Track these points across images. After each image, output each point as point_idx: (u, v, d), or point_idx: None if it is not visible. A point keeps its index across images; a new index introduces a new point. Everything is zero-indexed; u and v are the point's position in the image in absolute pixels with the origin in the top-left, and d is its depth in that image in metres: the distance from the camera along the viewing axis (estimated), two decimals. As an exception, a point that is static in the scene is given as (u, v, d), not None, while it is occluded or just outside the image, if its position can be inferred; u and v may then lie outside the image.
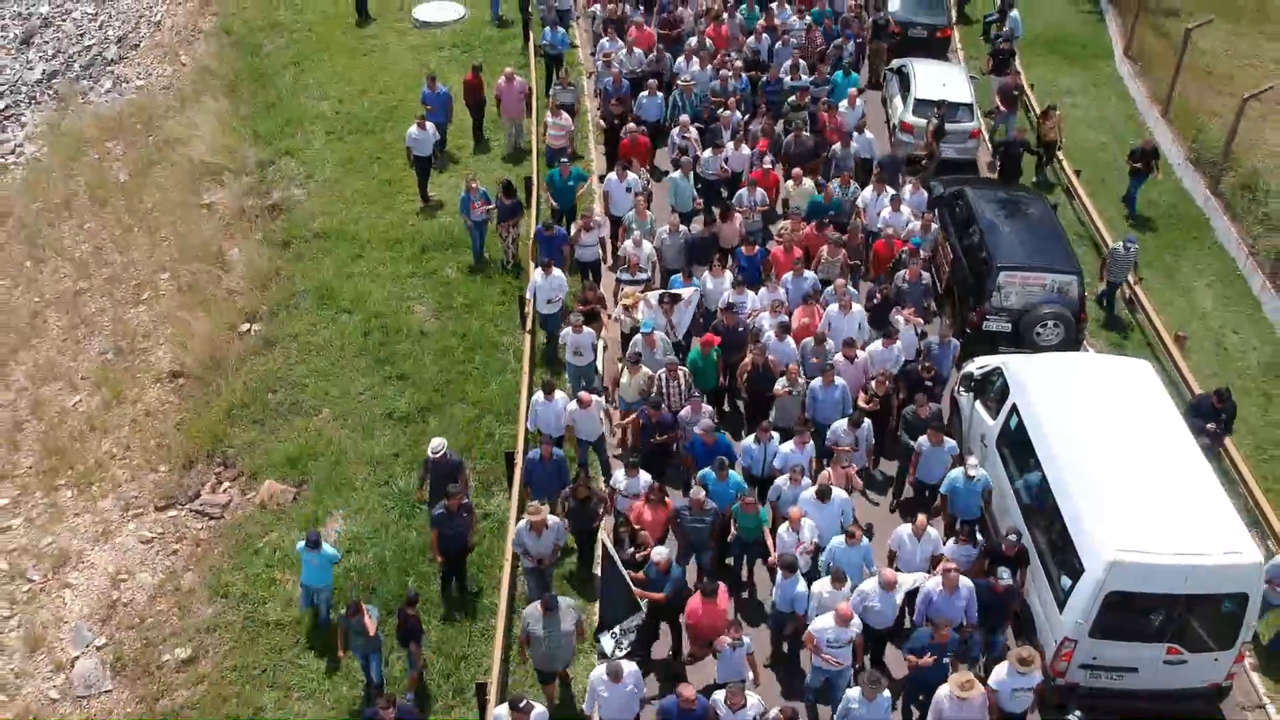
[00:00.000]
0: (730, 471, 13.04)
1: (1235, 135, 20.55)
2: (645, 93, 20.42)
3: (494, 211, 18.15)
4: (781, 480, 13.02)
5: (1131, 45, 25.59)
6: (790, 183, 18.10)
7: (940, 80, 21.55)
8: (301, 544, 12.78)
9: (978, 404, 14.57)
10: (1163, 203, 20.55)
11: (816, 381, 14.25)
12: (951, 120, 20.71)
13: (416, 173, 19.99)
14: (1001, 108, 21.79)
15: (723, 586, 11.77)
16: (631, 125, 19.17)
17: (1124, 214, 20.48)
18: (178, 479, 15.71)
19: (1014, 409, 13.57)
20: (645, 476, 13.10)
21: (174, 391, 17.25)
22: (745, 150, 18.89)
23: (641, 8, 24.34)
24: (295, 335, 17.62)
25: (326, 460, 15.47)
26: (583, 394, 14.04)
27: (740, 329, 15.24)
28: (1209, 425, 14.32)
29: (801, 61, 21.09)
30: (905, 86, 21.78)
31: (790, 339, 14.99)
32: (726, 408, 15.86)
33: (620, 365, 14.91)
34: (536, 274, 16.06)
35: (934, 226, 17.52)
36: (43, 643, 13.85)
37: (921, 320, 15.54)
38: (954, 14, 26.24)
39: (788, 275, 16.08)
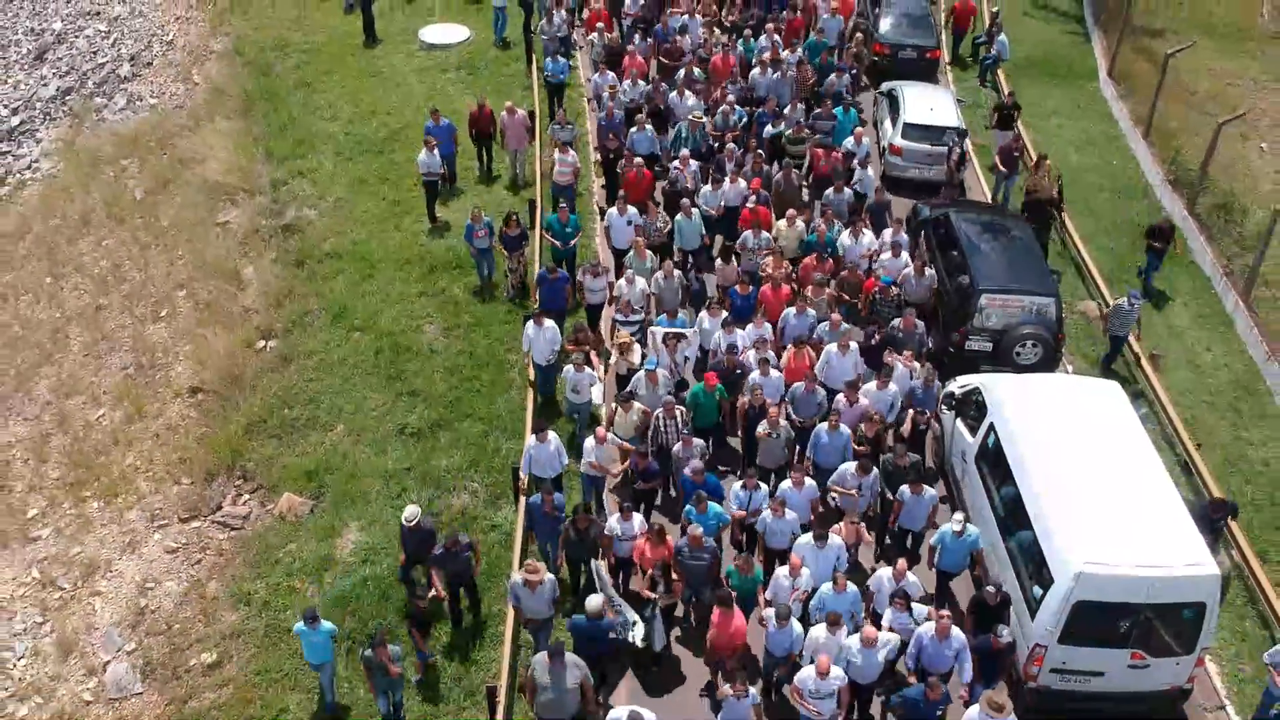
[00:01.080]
0: (710, 503, 13.31)
1: (1212, 157, 21.30)
2: (635, 127, 20.32)
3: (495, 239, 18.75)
4: (765, 513, 13.47)
5: (1115, 66, 26.36)
6: (783, 223, 18.15)
7: (929, 104, 22.21)
8: (300, 624, 12.72)
9: (958, 422, 15.37)
10: (1141, 223, 21.26)
11: (822, 425, 14.52)
12: (938, 143, 21.42)
13: (426, 195, 20.76)
14: (1002, 168, 21.18)
15: (738, 609, 12.34)
16: (639, 160, 19.30)
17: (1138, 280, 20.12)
18: (200, 491, 16.47)
19: (991, 427, 14.38)
20: (639, 518, 13.56)
21: (194, 406, 17.99)
22: (741, 184, 19.02)
23: (640, 37, 23.91)
24: (310, 352, 18.37)
25: (342, 474, 16.22)
26: (600, 430, 14.45)
27: (740, 371, 15.47)
28: None
29: (800, 106, 21.22)
30: (895, 110, 22.37)
31: (774, 372, 15.26)
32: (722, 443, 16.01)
33: (613, 405, 15.15)
34: (529, 327, 16.20)
35: (928, 272, 17.51)
36: (75, 648, 14.63)
37: (916, 365, 15.78)
38: (943, 37, 26.91)
39: (790, 311, 16.35)
